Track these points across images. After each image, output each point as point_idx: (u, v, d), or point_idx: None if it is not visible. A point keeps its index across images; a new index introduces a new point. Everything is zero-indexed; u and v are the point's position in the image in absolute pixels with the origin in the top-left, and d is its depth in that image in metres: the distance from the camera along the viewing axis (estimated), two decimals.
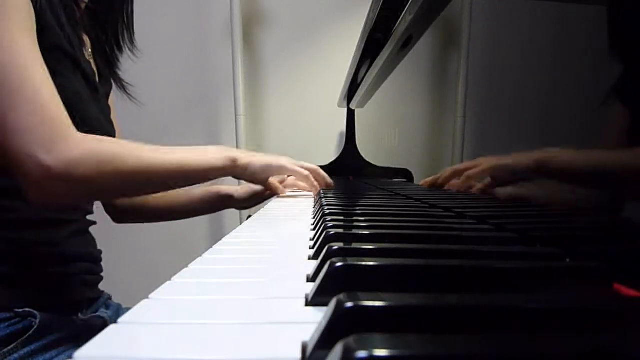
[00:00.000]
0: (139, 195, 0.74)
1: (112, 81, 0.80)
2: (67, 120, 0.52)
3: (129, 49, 0.79)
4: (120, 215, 0.89)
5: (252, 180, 0.76)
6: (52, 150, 0.49)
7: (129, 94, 0.83)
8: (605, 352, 0.14)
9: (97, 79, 0.72)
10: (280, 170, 0.77)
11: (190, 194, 0.92)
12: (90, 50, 0.72)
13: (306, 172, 0.81)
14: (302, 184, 0.90)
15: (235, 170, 0.69)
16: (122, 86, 0.82)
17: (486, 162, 0.72)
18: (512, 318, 0.17)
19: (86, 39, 0.71)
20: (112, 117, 0.78)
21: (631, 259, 0.26)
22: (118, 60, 0.79)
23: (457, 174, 0.81)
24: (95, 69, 0.72)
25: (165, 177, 0.60)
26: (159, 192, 0.67)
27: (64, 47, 0.60)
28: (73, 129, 0.52)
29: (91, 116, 0.66)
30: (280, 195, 0.90)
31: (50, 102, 0.51)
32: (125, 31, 0.78)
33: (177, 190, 0.91)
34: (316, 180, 0.85)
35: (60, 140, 0.50)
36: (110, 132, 0.75)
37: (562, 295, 0.23)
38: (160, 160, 0.59)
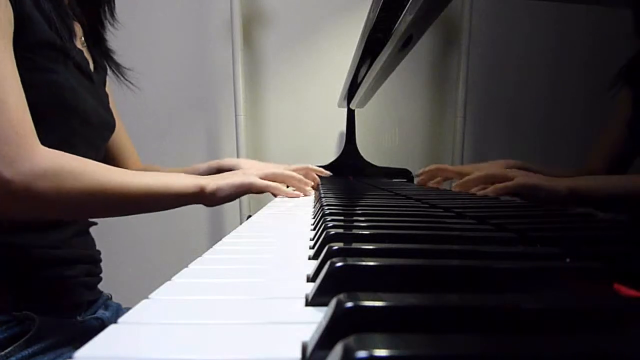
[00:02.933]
0: (105, 217, 0.71)
1: (107, 66, 0.80)
2: (31, 134, 0.52)
3: (110, 23, 0.78)
4: None
5: (221, 203, 0.73)
6: (13, 166, 0.48)
7: (124, 78, 0.82)
8: (605, 352, 0.14)
9: (92, 68, 0.72)
10: (250, 188, 0.74)
11: (196, 170, 0.94)
12: (82, 39, 0.72)
13: (274, 185, 0.79)
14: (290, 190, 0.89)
15: (204, 197, 0.67)
16: (117, 70, 0.81)
17: (518, 178, 0.71)
18: (512, 318, 0.17)
19: (78, 28, 0.70)
20: (111, 105, 0.78)
21: (631, 259, 0.26)
22: (104, 39, 0.78)
23: (483, 180, 0.80)
24: (89, 57, 0.72)
25: (130, 198, 0.58)
26: (126, 214, 0.66)
27: (52, 41, 0.59)
28: (37, 144, 0.52)
29: (87, 108, 0.65)
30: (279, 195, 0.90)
31: (15, 117, 0.50)
32: (106, 6, 0.77)
33: (183, 169, 0.93)
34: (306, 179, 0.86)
35: (23, 156, 0.49)
36: (109, 121, 0.74)
37: (562, 295, 0.23)
38: (126, 181, 0.58)
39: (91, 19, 0.75)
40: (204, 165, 0.95)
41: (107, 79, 0.81)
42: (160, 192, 0.61)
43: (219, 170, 0.93)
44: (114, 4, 0.78)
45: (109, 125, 0.75)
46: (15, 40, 0.54)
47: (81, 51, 0.67)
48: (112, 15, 0.78)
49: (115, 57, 0.80)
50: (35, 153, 0.51)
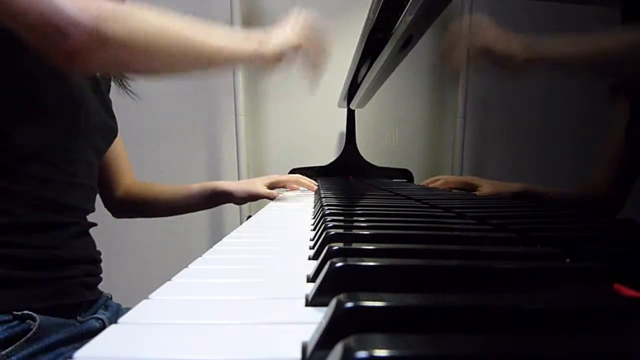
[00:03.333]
0: (167, 72, 0.66)
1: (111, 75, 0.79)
2: None
3: None
4: (120, 210, 0.89)
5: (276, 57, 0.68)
6: (79, 4, 0.47)
7: (126, 88, 0.82)
8: (605, 352, 0.14)
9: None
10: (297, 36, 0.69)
11: (188, 189, 0.92)
12: None
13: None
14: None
15: (259, 51, 0.63)
16: (120, 80, 0.81)
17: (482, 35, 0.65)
18: (512, 318, 0.17)
19: None
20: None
21: (631, 259, 0.26)
22: None
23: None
24: None
25: (196, 47, 0.58)
26: (189, 67, 0.62)
27: None
28: None
29: (93, 110, 0.66)
30: (279, 195, 0.91)
31: None
32: None
33: (175, 187, 0.91)
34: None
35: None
36: (111, 125, 0.75)
37: (562, 295, 0.23)
38: (192, 31, 0.58)
39: None
40: (197, 186, 0.92)
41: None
42: (222, 40, 0.60)
43: (214, 192, 0.92)
44: None
45: (112, 129, 0.75)
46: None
47: None
48: None
49: None
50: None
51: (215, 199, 0.93)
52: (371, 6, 0.90)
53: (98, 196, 0.82)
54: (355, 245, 0.31)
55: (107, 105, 0.74)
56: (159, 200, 0.91)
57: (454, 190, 0.93)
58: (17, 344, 0.55)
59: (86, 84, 0.64)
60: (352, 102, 1.49)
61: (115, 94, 0.84)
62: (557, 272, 0.24)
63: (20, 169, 0.59)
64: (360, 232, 0.38)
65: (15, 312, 0.57)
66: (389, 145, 1.80)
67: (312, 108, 1.74)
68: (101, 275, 0.74)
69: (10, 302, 0.57)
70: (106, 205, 0.88)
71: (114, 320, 0.67)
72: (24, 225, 0.60)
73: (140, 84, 0.85)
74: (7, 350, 0.54)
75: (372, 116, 1.73)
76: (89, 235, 0.74)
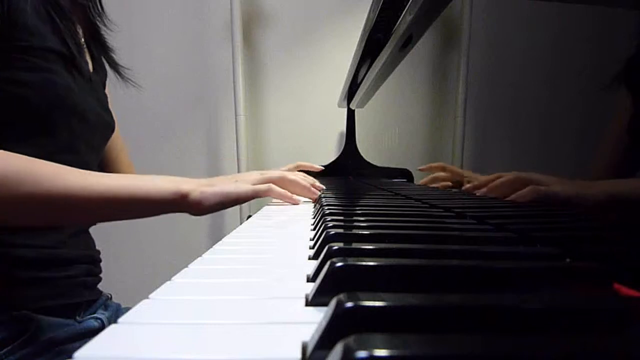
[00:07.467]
0: (64, 224, 0.63)
1: (107, 65, 0.79)
2: None
3: (99, 21, 0.74)
4: None
5: (207, 213, 0.61)
6: None
7: (124, 76, 0.82)
8: (605, 352, 0.14)
9: (91, 68, 0.72)
10: (238, 199, 0.62)
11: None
12: (83, 39, 0.71)
13: (264, 187, 0.67)
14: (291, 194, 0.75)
15: (184, 207, 0.58)
16: (117, 70, 0.81)
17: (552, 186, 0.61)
18: (512, 318, 0.17)
19: (79, 28, 0.70)
20: (110, 107, 0.78)
21: (631, 259, 0.26)
22: (101, 35, 0.76)
23: (511, 184, 0.74)
24: (89, 58, 0.72)
25: (90, 204, 0.51)
26: (88, 222, 0.56)
27: (56, 49, 0.60)
28: None
29: (86, 107, 0.65)
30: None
31: None
32: (91, 5, 0.72)
33: None
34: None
35: None
36: (108, 121, 0.75)
37: (562, 295, 0.23)
38: (84, 185, 0.50)
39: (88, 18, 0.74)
40: None
41: (108, 80, 0.81)
42: (127, 197, 0.53)
43: None
44: (101, 5, 0.74)
45: (109, 125, 0.75)
46: (17, 46, 0.55)
47: (82, 52, 0.67)
48: (100, 15, 0.75)
49: (114, 55, 0.80)
50: None
51: None
52: (371, 6, 0.90)
53: None
54: (355, 245, 0.31)
55: (101, 101, 0.73)
56: None
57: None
58: (15, 343, 0.55)
59: (77, 84, 0.64)
60: (352, 102, 1.49)
61: (115, 91, 0.84)
62: (557, 272, 0.24)
63: None
64: (360, 232, 0.38)
65: (14, 312, 0.57)
66: (389, 145, 1.80)
67: (312, 108, 1.74)
68: (101, 275, 0.74)
69: (8, 302, 0.57)
70: None
71: (113, 320, 0.67)
72: (23, 225, 0.60)
73: (142, 89, 0.85)
74: (5, 350, 0.54)
75: (372, 116, 1.73)
76: (88, 234, 0.74)
